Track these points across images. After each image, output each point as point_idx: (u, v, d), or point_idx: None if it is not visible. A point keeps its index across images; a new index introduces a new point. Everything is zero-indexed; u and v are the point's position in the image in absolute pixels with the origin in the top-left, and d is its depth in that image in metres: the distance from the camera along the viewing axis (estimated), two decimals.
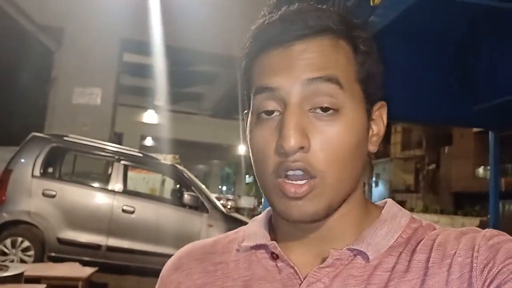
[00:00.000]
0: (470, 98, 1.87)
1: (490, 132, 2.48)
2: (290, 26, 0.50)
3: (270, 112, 0.51)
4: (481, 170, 20.37)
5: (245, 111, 0.59)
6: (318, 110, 0.49)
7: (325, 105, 0.49)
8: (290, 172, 0.49)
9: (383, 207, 0.57)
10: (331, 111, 0.49)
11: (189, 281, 0.58)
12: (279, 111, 0.50)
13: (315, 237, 0.54)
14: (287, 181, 0.49)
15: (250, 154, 0.54)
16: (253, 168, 0.54)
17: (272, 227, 0.59)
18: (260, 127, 0.51)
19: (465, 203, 20.67)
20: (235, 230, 0.64)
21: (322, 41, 0.51)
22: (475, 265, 0.46)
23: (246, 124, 0.57)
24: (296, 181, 0.49)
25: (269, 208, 0.62)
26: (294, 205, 0.49)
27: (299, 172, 0.48)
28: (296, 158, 0.48)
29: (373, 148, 0.55)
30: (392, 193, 26.24)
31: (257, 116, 0.52)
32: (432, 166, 24.99)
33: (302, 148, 0.48)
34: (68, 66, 8.67)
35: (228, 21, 8.60)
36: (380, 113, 0.56)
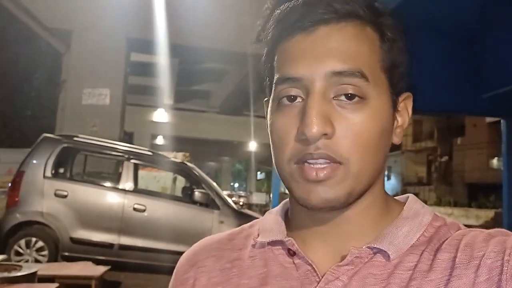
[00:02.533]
0: (479, 86, 1.84)
1: (502, 121, 2.43)
2: (314, 9, 0.49)
3: (292, 98, 0.49)
4: (495, 160, 20.08)
5: (266, 99, 0.57)
6: (343, 98, 0.48)
7: (350, 92, 0.48)
8: (311, 161, 0.48)
9: (405, 203, 0.56)
10: (356, 98, 0.48)
11: (206, 279, 0.57)
12: (302, 97, 0.49)
13: (334, 232, 0.52)
14: (307, 165, 0.48)
15: (270, 141, 0.53)
16: (272, 155, 0.52)
17: (288, 221, 0.57)
18: (281, 114, 0.50)
19: (479, 194, 20.41)
20: (249, 224, 0.63)
21: (347, 27, 0.49)
22: (506, 268, 0.44)
23: (266, 112, 0.55)
24: (317, 165, 0.47)
25: (285, 201, 0.61)
26: (314, 189, 0.48)
27: (321, 161, 0.47)
28: (319, 146, 0.47)
29: (397, 140, 0.54)
30: (405, 186, 26.04)
31: (278, 102, 0.50)
32: (445, 157, 24.71)
33: (325, 135, 0.47)
34: (77, 68, 8.74)
35: (234, 17, 8.58)
36: (405, 105, 0.54)
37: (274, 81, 0.51)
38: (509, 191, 2.46)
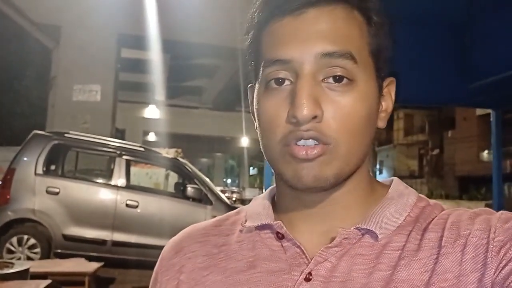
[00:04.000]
0: (467, 76, 1.85)
1: (491, 112, 2.46)
2: None
3: (280, 81, 0.49)
4: (485, 153, 20.29)
5: (250, 85, 0.57)
6: (331, 80, 0.48)
7: (339, 73, 0.48)
8: (301, 142, 0.48)
9: (389, 185, 0.57)
10: (345, 80, 0.48)
11: (192, 264, 0.57)
12: (290, 80, 0.49)
13: (321, 213, 0.53)
14: (297, 144, 0.48)
15: (257, 124, 0.53)
16: (260, 138, 0.53)
17: (275, 206, 0.58)
18: (269, 97, 0.50)
19: (470, 187, 20.64)
20: (235, 211, 0.63)
21: (335, 11, 0.49)
22: (491, 246, 0.45)
23: (252, 97, 0.55)
24: (307, 145, 0.48)
25: (272, 186, 0.61)
26: (304, 167, 0.48)
27: (310, 142, 0.48)
28: (309, 127, 0.47)
29: (381, 124, 0.54)
30: None
31: (266, 85, 0.50)
32: (436, 150, 24.92)
33: (315, 117, 0.47)
34: (67, 64, 8.65)
35: (225, 12, 8.55)
36: (389, 90, 0.55)
37: (262, 64, 0.51)
38: (499, 182, 2.49)
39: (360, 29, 0.50)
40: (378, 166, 28.76)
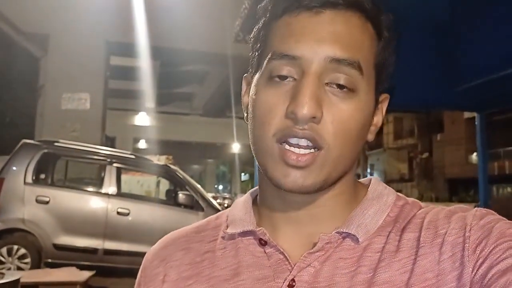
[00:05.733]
0: (452, 80, 1.88)
1: (476, 115, 2.49)
2: None
3: (283, 77, 0.49)
4: (474, 155, 20.52)
5: (245, 75, 0.57)
6: (334, 86, 0.48)
7: (342, 82, 0.48)
8: (294, 140, 0.47)
9: (368, 185, 0.57)
10: (346, 89, 0.48)
11: (176, 273, 0.56)
12: (293, 78, 0.49)
13: (305, 215, 0.53)
14: (288, 147, 0.48)
15: (250, 116, 0.52)
16: (251, 130, 0.52)
17: (257, 208, 0.57)
18: (270, 89, 0.49)
19: (460, 189, 20.84)
20: (215, 215, 0.62)
21: (351, 18, 0.49)
22: (467, 244, 0.46)
23: (246, 87, 0.55)
24: (299, 149, 0.47)
25: (252, 190, 0.61)
26: (292, 173, 0.48)
27: (303, 142, 0.47)
28: (305, 127, 0.47)
29: (370, 137, 0.55)
30: (387, 183, 26.06)
31: (269, 78, 0.50)
32: (425, 154, 25.14)
33: (314, 118, 0.47)
34: (55, 72, 8.61)
35: (215, 18, 8.58)
36: (382, 106, 0.56)
37: (269, 56, 0.50)
38: (485, 184, 2.53)
39: (371, 41, 0.51)
40: (369, 170, 28.92)
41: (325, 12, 0.48)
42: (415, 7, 1.68)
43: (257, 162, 0.52)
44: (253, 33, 0.55)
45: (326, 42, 0.48)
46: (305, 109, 0.46)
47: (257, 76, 0.52)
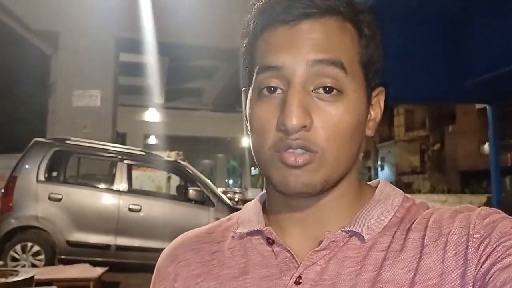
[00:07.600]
0: (463, 73, 1.86)
1: (487, 107, 2.46)
2: (296, 4, 0.50)
3: (272, 90, 0.50)
4: (486, 146, 20.25)
5: (244, 89, 0.58)
6: (321, 91, 0.49)
7: (329, 84, 0.49)
8: (290, 150, 0.49)
9: (377, 187, 0.58)
10: (334, 91, 0.49)
11: (186, 272, 0.58)
12: (281, 89, 0.50)
13: (310, 218, 0.54)
14: (285, 152, 0.49)
15: (249, 130, 0.54)
16: (251, 143, 0.54)
17: (266, 212, 0.59)
18: (261, 104, 0.51)
19: (472, 180, 20.59)
20: (227, 217, 0.64)
21: (328, 22, 0.50)
22: (471, 243, 0.47)
23: (245, 101, 0.56)
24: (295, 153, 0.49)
25: (262, 193, 0.62)
26: (292, 173, 0.49)
27: (299, 151, 0.49)
28: (298, 136, 0.48)
29: (370, 132, 0.56)
30: (399, 175, 26.19)
31: (259, 93, 0.52)
32: (437, 146, 24.88)
33: (304, 127, 0.48)
34: (66, 70, 8.68)
35: (223, 13, 8.56)
36: (378, 99, 0.57)
37: (256, 71, 0.52)
38: (497, 175, 2.51)
39: (352, 40, 0.52)
40: (379, 163, 28.74)
41: (302, 23, 0.50)
42: (426, 3, 1.66)
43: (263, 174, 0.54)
44: (242, 52, 0.57)
45: (305, 47, 0.49)
46: (293, 120, 0.47)
47: (250, 91, 0.55)
